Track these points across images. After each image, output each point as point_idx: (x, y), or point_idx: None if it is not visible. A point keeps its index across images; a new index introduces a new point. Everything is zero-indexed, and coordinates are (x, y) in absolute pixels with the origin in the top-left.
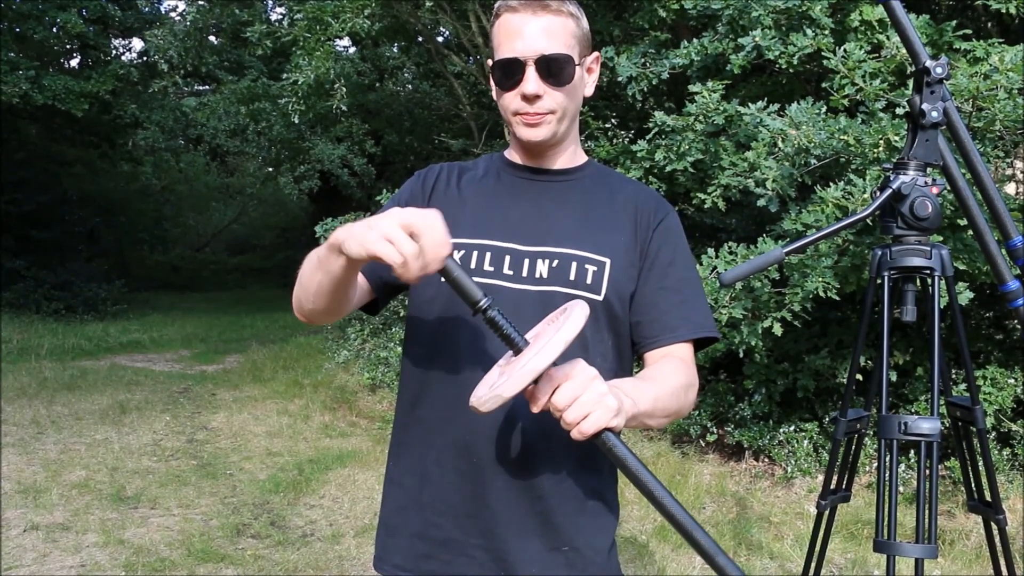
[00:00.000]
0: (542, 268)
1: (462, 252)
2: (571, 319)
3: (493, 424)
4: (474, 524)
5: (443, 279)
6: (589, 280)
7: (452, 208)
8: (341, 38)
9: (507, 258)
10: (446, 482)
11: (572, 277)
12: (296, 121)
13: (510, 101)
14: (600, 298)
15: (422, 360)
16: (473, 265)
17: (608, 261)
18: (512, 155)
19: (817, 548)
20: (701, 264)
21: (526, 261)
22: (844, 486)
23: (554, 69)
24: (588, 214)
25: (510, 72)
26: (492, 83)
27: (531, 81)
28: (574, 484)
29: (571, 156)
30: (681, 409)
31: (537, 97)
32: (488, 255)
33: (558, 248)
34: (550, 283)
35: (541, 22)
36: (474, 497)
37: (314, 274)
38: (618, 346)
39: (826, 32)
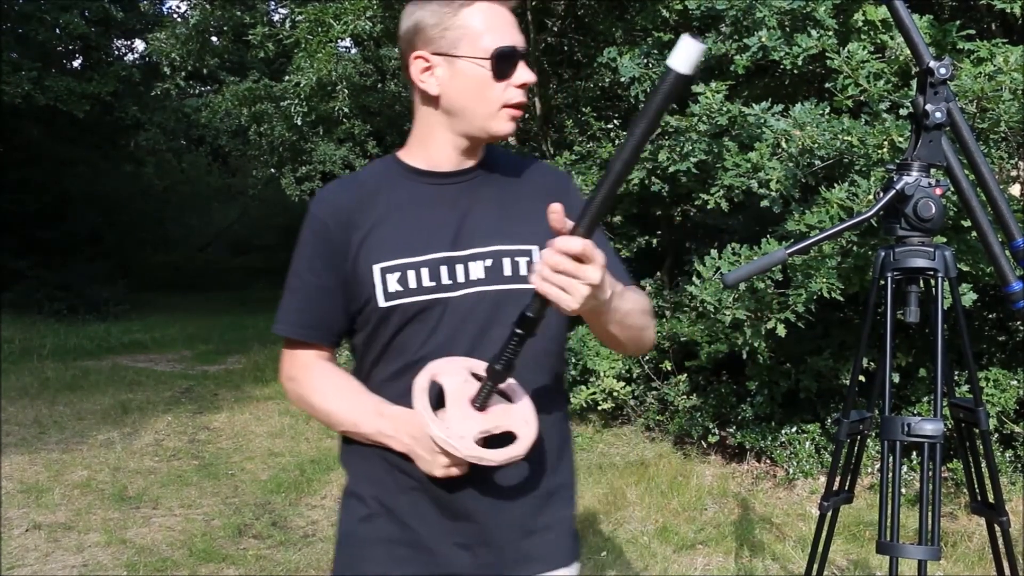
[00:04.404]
0: (478, 270)
1: (398, 274)
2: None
3: None
4: (449, 524)
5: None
6: (523, 272)
7: (374, 234)
8: (343, 40)
9: (443, 268)
10: (410, 488)
11: (508, 273)
12: (298, 123)
13: (502, 92)
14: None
15: (379, 373)
16: (413, 284)
17: (534, 248)
18: (416, 160)
19: (819, 549)
20: (704, 265)
21: (460, 266)
22: (847, 487)
23: (530, 65)
24: (504, 207)
25: (510, 62)
26: (448, 73)
27: (527, 71)
28: (535, 480)
29: (483, 149)
30: (645, 331)
31: (526, 87)
32: (425, 271)
33: (487, 247)
34: (489, 283)
35: (514, 18)
36: (448, 499)
37: (330, 417)
38: (558, 321)
39: (830, 33)
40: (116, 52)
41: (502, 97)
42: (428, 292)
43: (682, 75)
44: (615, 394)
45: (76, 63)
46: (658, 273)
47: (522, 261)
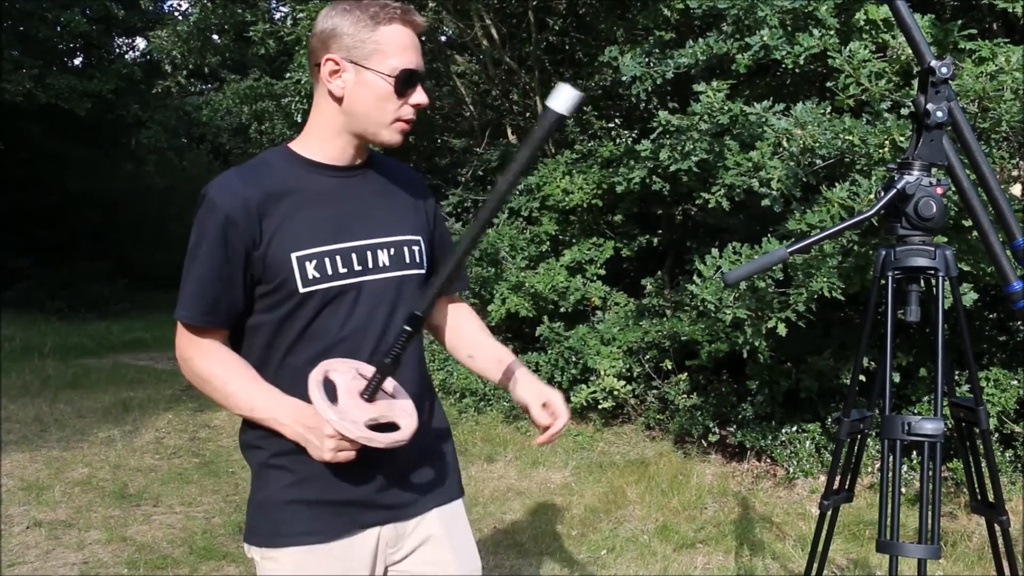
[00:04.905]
0: (384, 258)
1: (315, 261)
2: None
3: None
4: (371, 480)
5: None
6: (417, 259)
7: (285, 224)
8: None
9: (354, 256)
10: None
11: (407, 260)
12: (299, 120)
13: (398, 108)
14: (424, 271)
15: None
16: (329, 270)
17: (420, 238)
18: (310, 153)
19: (819, 548)
20: (705, 264)
21: (368, 253)
22: (847, 486)
23: (425, 88)
24: (394, 200)
25: (410, 82)
26: (354, 79)
27: (423, 94)
28: (425, 426)
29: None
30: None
31: (420, 106)
32: (339, 258)
33: (390, 237)
34: (394, 269)
35: (419, 43)
36: (366, 460)
37: (225, 399)
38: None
39: (832, 32)
40: (117, 50)
41: (398, 112)
42: (344, 277)
43: (561, 115)
44: (615, 393)
45: (77, 61)
46: (659, 272)
47: (416, 249)
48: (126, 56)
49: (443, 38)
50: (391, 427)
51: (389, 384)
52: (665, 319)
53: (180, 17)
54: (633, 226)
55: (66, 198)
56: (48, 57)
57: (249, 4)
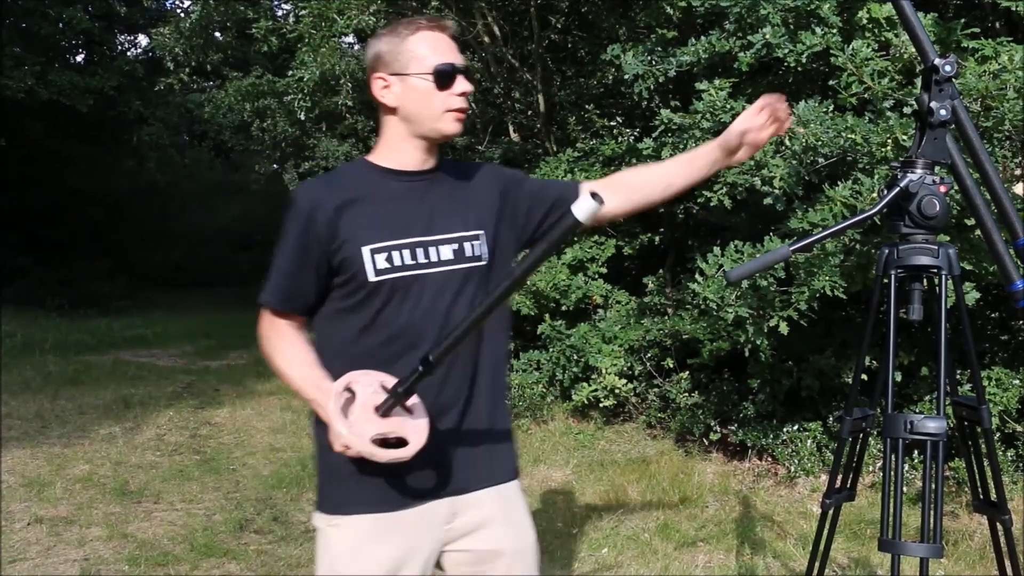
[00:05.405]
0: (446, 252)
1: (384, 254)
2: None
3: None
4: (431, 457)
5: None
6: (477, 253)
7: (358, 222)
8: (346, 35)
9: (419, 250)
10: None
11: (468, 254)
12: (301, 118)
13: (445, 99)
14: (485, 263)
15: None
16: (398, 262)
17: (483, 232)
18: (385, 161)
19: (821, 547)
20: (707, 262)
21: (432, 248)
22: (848, 485)
23: (469, 77)
24: (459, 200)
25: (451, 75)
26: (402, 88)
27: (466, 82)
28: (489, 419)
29: (438, 154)
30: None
31: (466, 95)
32: (405, 252)
33: (452, 234)
34: (457, 263)
35: (452, 42)
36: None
37: (285, 378)
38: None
39: (834, 31)
40: (119, 47)
41: (445, 103)
42: (409, 269)
43: (579, 222)
44: (617, 391)
45: (79, 58)
46: (660, 270)
47: (476, 243)
48: (128, 53)
49: None
50: (403, 442)
51: (412, 400)
52: (667, 317)
53: (182, 14)
54: (635, 224)
55: (67, 195)
56: (50, 54)
57: (251, 1)
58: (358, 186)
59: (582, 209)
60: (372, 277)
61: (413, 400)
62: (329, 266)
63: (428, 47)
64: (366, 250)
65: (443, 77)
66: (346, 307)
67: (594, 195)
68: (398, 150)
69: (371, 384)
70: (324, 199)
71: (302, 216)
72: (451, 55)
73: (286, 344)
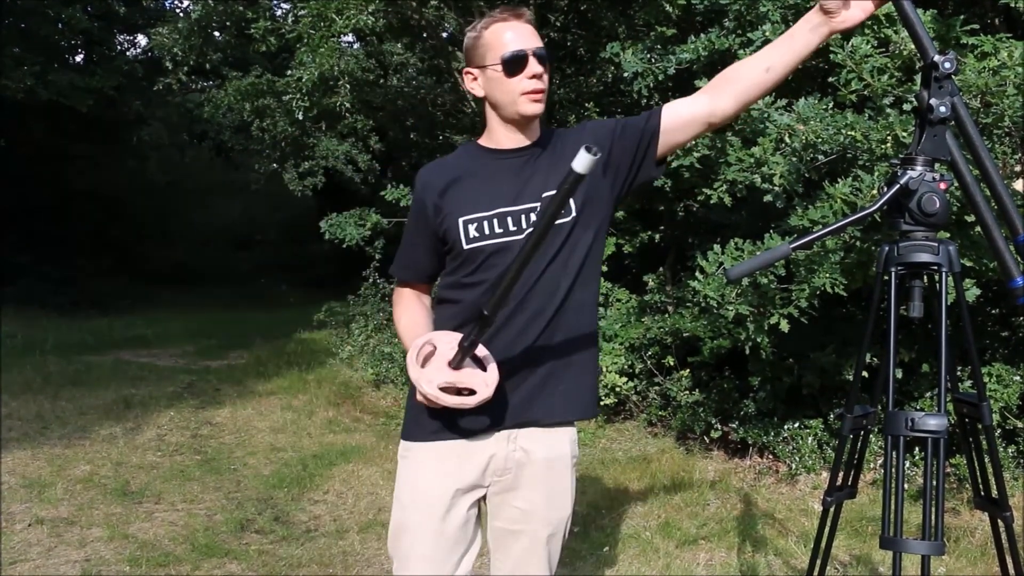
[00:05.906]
0: (532, 219)
1: (476, 224)
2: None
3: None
4: (496, 403)
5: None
6: (562, 214)
7: (457, 197)
8: (346, 34)
9: (508, 219)
10: None
11: None
12: (300, 117)
13: (518, 83)
14: (570, 219)
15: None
16: (487, 231)
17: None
18: (488, 143)
19: (822, 545)
20: (707, 260)
21: (521, 216)
22: (850, 483)
23: (544, 59)
24: (551, 168)
25: (518, 61)
26: (483, 79)
27: (536, 64)
28: (565, 362)
29: (536, 130)
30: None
31: (540, 76)
32: (496, 221)
33: (535, 202)
34: None
35: (526, 27)
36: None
37: (397, 334)
38: (590, 241)
39: None
40: (119, 47)
41: (519, 87)
42: (499, 237)
43: (580, 175)
44: (617, 389)
45: (79, 58)
46: (661, 268)
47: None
48: (127, 53)
49: (445, 34)
50: (472, 392)
51: (484, 354)
52: (667, 315)
53: (181, 14)
54: (635, 222)
55: (68, 195)
56: (49, 54)
57: (250, 1)
58: (463, 165)
59: (581, 163)
60: (465, 245)
61: (486, 354)
62: (438, 238)
63: (498, 39)
64: (461, 221)
65: (510, 65)
66: (452, 271)
67: (588, 148)
68: (495, 132)
69: (450, 341)
70: (434, 179)
71: (417, 197)
72: (520, 42)
73: (402, 306)
